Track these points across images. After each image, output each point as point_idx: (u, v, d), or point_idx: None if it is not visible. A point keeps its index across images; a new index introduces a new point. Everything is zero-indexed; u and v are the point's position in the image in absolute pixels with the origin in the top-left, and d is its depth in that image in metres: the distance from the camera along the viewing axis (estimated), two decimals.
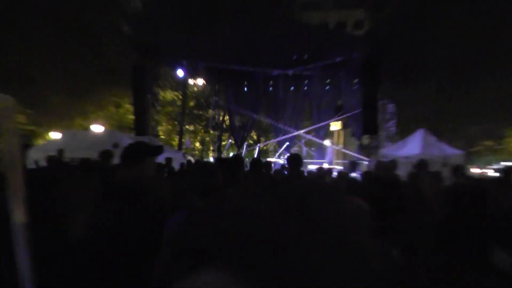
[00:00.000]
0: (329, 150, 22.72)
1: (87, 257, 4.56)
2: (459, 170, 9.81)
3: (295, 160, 7.56)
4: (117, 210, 4.26)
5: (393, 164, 11.10)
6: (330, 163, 21.18)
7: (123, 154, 4.47)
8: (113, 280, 4.26)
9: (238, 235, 1.74)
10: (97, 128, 26.80)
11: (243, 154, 24.47)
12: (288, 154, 11.90)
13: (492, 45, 29.10)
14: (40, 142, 30.53)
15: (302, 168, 8.63)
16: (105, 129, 27.06)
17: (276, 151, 27.34)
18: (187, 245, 1.54)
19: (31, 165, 12.19)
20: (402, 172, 10.92)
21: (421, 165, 10.26)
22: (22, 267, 4.00)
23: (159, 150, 5.20)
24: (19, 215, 3.84)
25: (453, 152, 19.38)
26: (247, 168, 8.33)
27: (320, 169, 14.03)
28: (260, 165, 7.57)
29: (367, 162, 19.45)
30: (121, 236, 4.16)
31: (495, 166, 28.40)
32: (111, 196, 4.57)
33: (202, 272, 1.33)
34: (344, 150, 29.02)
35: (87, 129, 28.04)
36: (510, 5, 28.14)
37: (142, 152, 4.62)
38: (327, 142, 24.83)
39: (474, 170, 21.66)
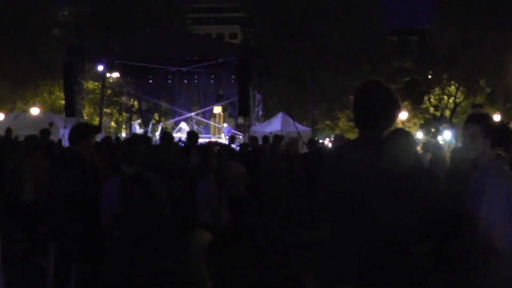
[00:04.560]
0: (227, 129, 22.52)
1: (47, 212, 4.38)
2: (313, 142, 10.13)
3: (194, 136, 7.81)
4: (71, 174, 4.24)
5: (266, 138, 11.31)
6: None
7: (73, 132, 4.33)
8: (70, 222, 4.19)
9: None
10: (34, 111, 25.08)
11: (149, 132, 24.09)
12: (187, 131, 11.87)
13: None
14: None
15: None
16: (41, 112, 25.48)
17: (173, 129, 27.08)
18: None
19: None
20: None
21: (276, 139, 10.60)
22: None
23: (98, 129, 5.20)
24: None
25: (303, 129, 20.00)
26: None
27: (210, 142, 14.13)
28: (170, 138, 7.78)
29: (241, 136, 19.71)
30: (76, 192, 4.19)
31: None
32: (62, 164, 4.36)
33: None
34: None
35: (27, 111, 26.29)
36: None
37: (89, 131, 4.54)
38: (225, 125, 24.65)
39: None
